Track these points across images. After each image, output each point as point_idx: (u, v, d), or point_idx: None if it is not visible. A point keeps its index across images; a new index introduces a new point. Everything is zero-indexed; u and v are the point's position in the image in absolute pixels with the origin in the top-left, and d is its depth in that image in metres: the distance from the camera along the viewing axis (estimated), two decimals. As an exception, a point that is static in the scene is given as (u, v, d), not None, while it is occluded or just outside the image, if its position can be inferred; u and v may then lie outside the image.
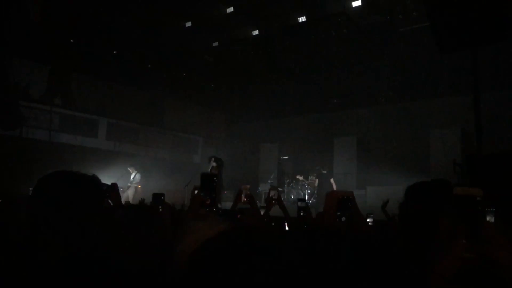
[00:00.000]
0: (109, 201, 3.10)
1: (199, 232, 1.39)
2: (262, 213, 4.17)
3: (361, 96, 15.52)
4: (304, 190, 14.63)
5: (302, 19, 12.08)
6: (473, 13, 5.94)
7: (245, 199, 4.03)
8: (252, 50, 13.65)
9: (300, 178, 14.82)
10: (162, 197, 3.31)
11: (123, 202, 8.55)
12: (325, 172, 13.84)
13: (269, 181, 15.41)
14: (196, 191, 4.00)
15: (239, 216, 3.85)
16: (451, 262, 1.15)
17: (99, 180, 1.67)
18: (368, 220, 5.00)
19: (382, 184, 13.80)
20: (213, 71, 15.79)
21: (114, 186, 3.26)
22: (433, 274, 1.15)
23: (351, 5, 11.29)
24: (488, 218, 2.38)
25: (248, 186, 4.17)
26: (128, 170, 14.53)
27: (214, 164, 13.26)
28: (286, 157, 16.90)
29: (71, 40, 12.98)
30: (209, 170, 12.92)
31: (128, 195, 13.81)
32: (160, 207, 3.25)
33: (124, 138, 16.29)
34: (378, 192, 13.34)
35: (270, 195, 4.11)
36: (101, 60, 13.98)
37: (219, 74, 15.97)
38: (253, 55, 13.93)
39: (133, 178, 14.40)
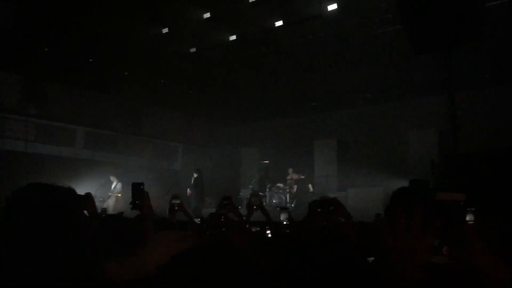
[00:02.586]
0: (85, 212, 3.03)
1: (169, 245, 1.39)
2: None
3: (340, 98, 15.65)
4: (286, 195, 14.68)
5: (279, 23, 12.14)
6: (446, 15, 6.05)
7: (228, 209, 4.03)
8: (230, 55, 13.64)
9: (281, 185, 14.97)
10: (142, 186, 3.18)
11: (103, 212, 8.39)
12: (303, 177, 14.02)
13: (250, 186, 15.39)
14: (173, 201, 3.98)
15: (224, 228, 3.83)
16: (416, 262, 1.13)
17: (75, 192, 1.64)
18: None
19: (363, 185, 13.91)
20: (191, 77, 15.71)
21: (88, 196, 3.18)
22: (396, 275, 1.13)
23: (327, 9, 11.39)
24: (468, 218, 2.41)
25: (229, 194, 4.17)
26: (110, 179, 14.39)
27: (195, 175, 13.72)
28: (267, 161, 16.92)
29: (46, 49, 12.75)
30: (192, 181, 13.48)
31: (108, 204, 13.64)
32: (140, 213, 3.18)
33: (103, 147, 16.11)
34: (359, 194, 13.44)
35: (252, 202, 4.11)
36: (77, 67, 13.78)
37: (197, 79, 15.89)
38: (231, 60, 13.92)
39: (114, 187, 14.25)
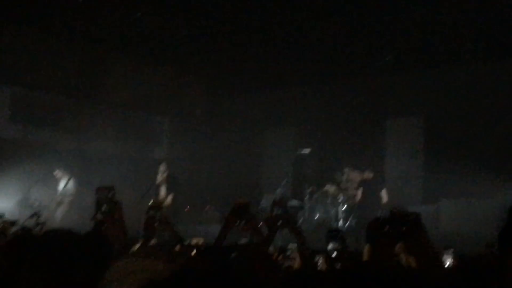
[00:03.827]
0: None
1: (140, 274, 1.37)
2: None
3: (429, 47, 15.38)
4: (338, 206, 14.59)
5: None
6: None
7: (243, 226, 4.02)
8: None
9: (332, 189, 14.83)
10: (112, 192, 3.26)
11: (39, 226, 8.54)
12: (372, 177, 13.84)
13: (279, 189, 15.38)
14: (151, 212, 4.00)
15: (233, 254, 3.84)
16: None
17: None
18: (445, 257, 4.94)
19: (466, 195, 13.74)
20: (186, 5, 15.63)
21: None
22: None
23: None
24: None
25: (245, 200, 4.13)
26: (55, 176, 14.49)
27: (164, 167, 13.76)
28: (307, 149, 16.83)
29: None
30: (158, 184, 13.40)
31: (55, 216, 13.78)
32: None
33: (40, 120, 16.22)
34: (459, 209, 13.29)
35: (273, 214, 4.09)
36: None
37: (196, 9, 15.81)
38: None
39: (65, 187, 14.34)
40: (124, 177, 15.24)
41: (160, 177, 13.82)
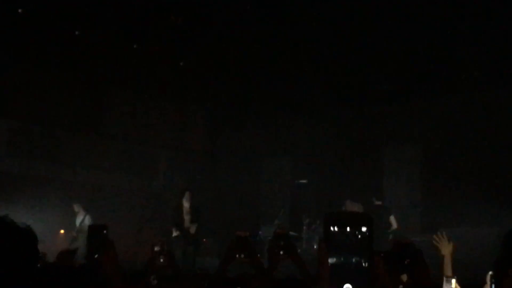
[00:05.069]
0: None
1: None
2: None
3: (428, 78, 15.42)
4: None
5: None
6: None
7: (242, 257, 3.99)
8: (248, 4, 13.60)
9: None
10: (105, 231, 3.27)
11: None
12: (379, 203, 13.83)
13: (276, 220, 15.35)
14: (156, 248, 4.01)
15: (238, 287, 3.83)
16: None
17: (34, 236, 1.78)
18: (447, 285, 4.91)
19: (465, 223, 13.70)
20: (184, 41, 15.71)
21: None
22: None
23: None
24: None
25: (245, 233, 4.12)
26: (74, 209, 14.65)
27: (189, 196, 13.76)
28: (305, 180, 16.82)
29: None
30: (183, 212, 13.50)
31: (79, 248, 13.89)
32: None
33: (37, 153, 16.19)
34: (459, 238, 13.23)
35: (275, 244, 4.06)
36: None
37: (194, 46, 15.88)
38: (250, 12, 13.86)
39: (82, 222, 14.53)
40: (121, 210, 15.21)
41: (183, 206, 13.87)
